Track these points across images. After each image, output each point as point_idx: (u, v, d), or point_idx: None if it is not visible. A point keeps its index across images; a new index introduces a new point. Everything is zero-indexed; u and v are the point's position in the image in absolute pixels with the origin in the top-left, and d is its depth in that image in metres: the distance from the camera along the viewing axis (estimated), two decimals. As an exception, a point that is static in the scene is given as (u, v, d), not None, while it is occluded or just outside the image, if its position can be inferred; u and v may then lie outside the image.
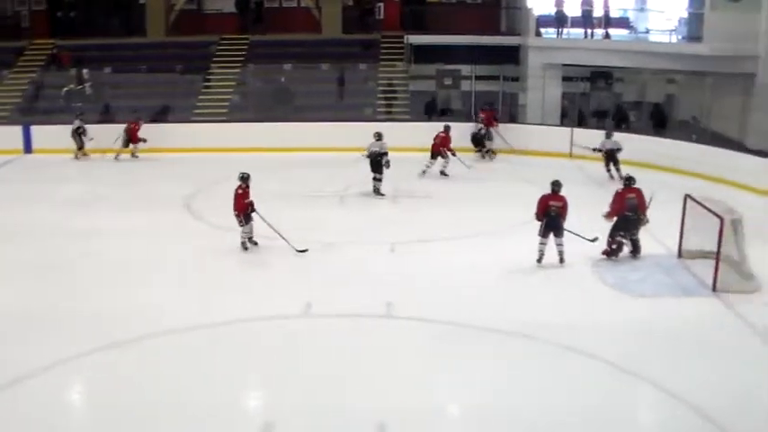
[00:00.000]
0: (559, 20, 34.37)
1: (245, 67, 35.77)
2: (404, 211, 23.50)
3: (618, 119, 32.89)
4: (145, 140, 30.06)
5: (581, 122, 32.01)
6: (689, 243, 18.65)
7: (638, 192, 18.70)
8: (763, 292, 16.90)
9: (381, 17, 39.08)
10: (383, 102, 34.66)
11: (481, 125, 30.75)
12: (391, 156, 24.85)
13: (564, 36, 34.48)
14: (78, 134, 30.40)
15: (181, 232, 21.26)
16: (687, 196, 18.69)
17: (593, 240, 18.72)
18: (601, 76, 35.06)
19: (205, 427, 11.92)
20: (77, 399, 13.31)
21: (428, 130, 28.79)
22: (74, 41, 36.19)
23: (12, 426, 11.93)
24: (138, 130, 30.22)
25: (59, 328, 14.99)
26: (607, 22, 33.72)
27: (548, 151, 30.24)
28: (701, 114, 30.93)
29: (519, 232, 19.90)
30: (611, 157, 27.26)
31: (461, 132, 29.59)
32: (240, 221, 19.46)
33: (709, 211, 17.36)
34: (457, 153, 27.87)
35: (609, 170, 27.29)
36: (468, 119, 32.31)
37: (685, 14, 33.22)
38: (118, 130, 30.39)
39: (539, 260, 18.41)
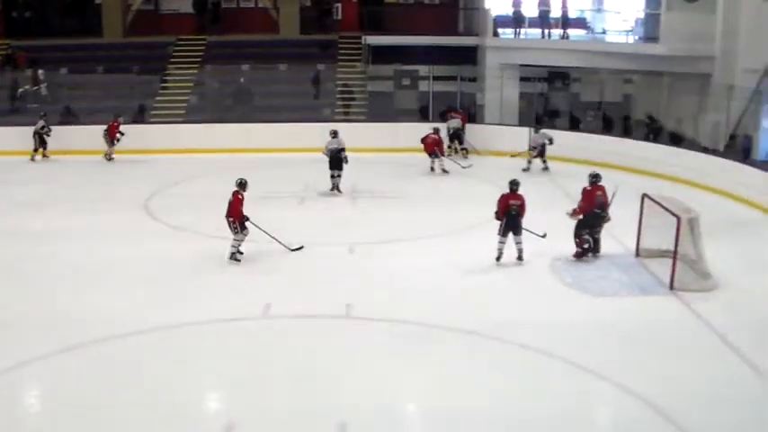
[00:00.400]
0: (517, 20, 34.43)
1: (202, 67, 35.58)
2: (363, 212, 23.49)
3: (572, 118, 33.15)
4: (121, 136, 29.93)
5: (538, 122, 32.08)
6: (647, 242, 18.78)
7: (603, 189, 18.78)
8: (719, 290, 17.01)
9: (339, 18, 39.08)
10: (341, 102, 34.57)
11: (457, 125, 30.71)
12: (350, 156, 25.01)
13: (521, 36, 34.55)
14: (40, 135, 30.11)
15: (139, 234, 21.11)
16: (644, 195, 18.81)
17: (543, 236, 18.77)
18: (558, 76, 35.21)
19: (166, 429, 11.83)
20: (33, 403, 13.13)
21: (386, 131, 28.99)
22: (29, 42, 35.87)
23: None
24: (117, 128, 30.00)
25: (13, 332, 14.84)
26: (564, 22, 33.82)
27: (506, 151, 30.27)
28: (657, 114, 31.15)
29: (477, 232, 20.00)
30: (542, 151, 28.48)
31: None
32: (235, 229, 18.78)
33: (666, 210, 17.48)
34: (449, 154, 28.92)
35: (529, 162, 28.63)
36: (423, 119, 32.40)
37: (642, 15, 33.45)
38: (79, 131, 30.22)
39: (498, 259, 18.45)
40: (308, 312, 15.70)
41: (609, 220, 18.86)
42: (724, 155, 26.44)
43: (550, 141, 28.54)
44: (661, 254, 18.18)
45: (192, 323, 15.22)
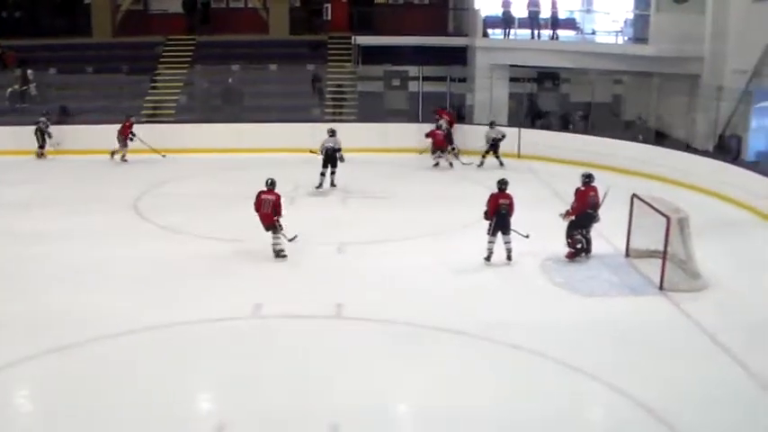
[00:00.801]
0: (506, 21, 34.42)
1: (192, 67, 35.51)
2: (352, 212, 23.48)
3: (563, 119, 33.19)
4: (133, 137, 29.73)
5: (529, 121, 32.22)
6: (636, 242, 18.81)
7: (596, 190, 18.80)
8: (709, 290, 17.06)
9: (329, 18, 38.96)
10: (331, 103, 34.54)
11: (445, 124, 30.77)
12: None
13: (511, 37, 34.55)
14: (41, 132, 30.12)
15: (128, 234, 21.06)
16: (634, 196, 18.83)
17: (526, 236, 18.77)
18: (548, 77, 35.26)
19: (157, 429, 11.81)
20: (24, 403, 13.10)
21: (375, 131, 29.07)
22: (18, 42, 35.71)
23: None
24: (130, 128, 29.85)
25: (5, 332, 14.78)
26: (554, 23, 33.83)
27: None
28: (647, 115, 31.21)
29: (466, 232, 20.02)
30: (494, 145, 29.16)
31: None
32: (279, 227, 18.98)
33: (656, 210, 17.51)
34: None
35: (484, 156, 29.37)
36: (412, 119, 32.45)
37: (631, 16, 33.50)
38: (69, 131, 30.21)
39: (487, 258, 18.47)
40: (299, 312, 15.69)
41: (598, 220, 18.89)
42: (713, 155, 26.52)
43: (503, 137, 29.34)
44: (651, 254, 18.21)
45: (182, 323, 15.20)
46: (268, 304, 16.06)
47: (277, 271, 18.33)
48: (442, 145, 29.34)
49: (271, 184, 19.25)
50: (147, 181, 26.55)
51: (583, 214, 18.63)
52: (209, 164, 29.14)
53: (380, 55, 35.70)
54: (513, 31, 34.54)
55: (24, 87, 33.62)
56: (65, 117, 31.93)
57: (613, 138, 29.25)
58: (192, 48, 36.70)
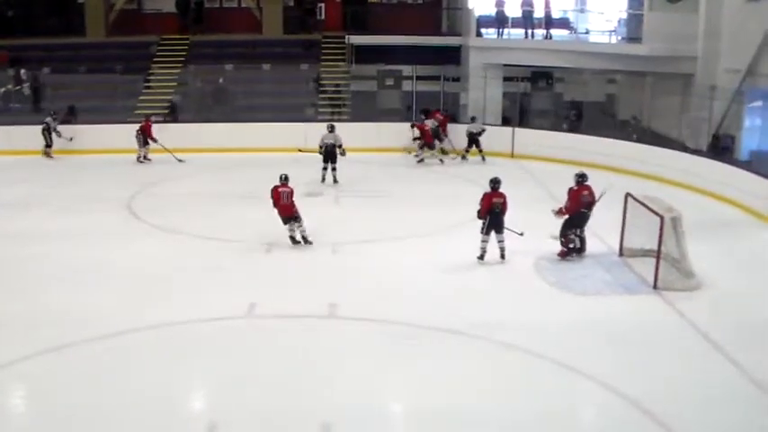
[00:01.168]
0: (500, 20, 34.45)
1: (185, 67, 35.48)
2: (347, 212, 23.45)
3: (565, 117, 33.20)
4: (155, 140, 29.56)
5: (522, 122, 32.23)
6: (630, 241, 18.83)
7: (590, 188, 18.79)
8: (703, 289, 17.08)
9: (322, 17, 39.04)
10: (324, 102, 34.52)
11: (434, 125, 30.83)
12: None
13: (504, 36, 34.57)
14: (49, 132, 30.12)
15: (122, 234, 21.02)
16: (628, 195, 18.84)
17: (521, 234, 18.77)
18: (542, 76, 35.28)
19: (151, 428, 11.80)
20: (21, 402, 13.06)
21: (369, 130, 29.17)
22: (11, 41, 35.66)
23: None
24: (149, 128, 29.75)
25: (1, 331, 14.77)
26: (548, 22, 33.86)
27: (489, 151, 30.30)
28: (641, 114, 31.23)
29: (460, 231, 19.95)
30: (473, 140, 29.94)
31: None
32: (297, 218, 19.77)
33: (649, 209, 17.52)
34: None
35: (467, 152, 30.19)
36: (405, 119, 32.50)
37: (625, 15, 33.56)
38: (74, 130, 30.46)
39: (481, 257, 18.48)
40: (293, 312, 15.67)
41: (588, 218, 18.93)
42: (707, 154, 26.56)
43: (482, 131, 30.04)
44: (644, 253, 18.22)
45: (177, 323, 15.18)
46: (262, 304, 16.04)
47: (271, 270, 18.32)
48: (430, 142, 29.80)
49: (285, 179, 19.86)
50: (141, 181, 26.51)
51: (577, 214, 18.64)
52: (202, 163, 29.10)
53: (374, 54, 35.69)
54: (506, 30, 34.58)
55: (18, 87, 33.55)
56: (71, 117, 31.78)
57: (607, 137, 29.26)
58: (186, 47, 36.70)
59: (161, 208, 23.20)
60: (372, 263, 18.78)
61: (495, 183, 18.52)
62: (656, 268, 17.00)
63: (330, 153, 26.03)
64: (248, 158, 29.30)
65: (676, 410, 12.14)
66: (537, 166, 28.47)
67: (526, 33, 33.99)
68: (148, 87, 34.82)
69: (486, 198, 18.37)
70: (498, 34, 34.76)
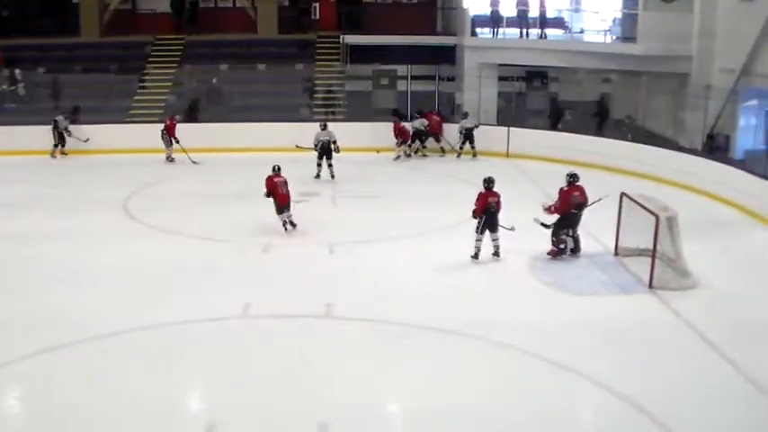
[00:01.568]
0: (495, 20, 34.45)
1: (180, 67, 35.46)
2: (342, 212, 23.44)
3: (555, 117, 33.17)
4: (177, 140, 29.58)
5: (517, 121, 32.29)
6: (625, 241, 18.83)
7: (581, 189, 18.81)
8: (698, 288, 17.11)
9: (317, 17, 39.01)
10: (319, 102, 34.51)
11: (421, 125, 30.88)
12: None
13: (499, 36, 34.58)
14: (59, 132, 30.17)
15: (118, 234, 20.99)
16: (623, 194, 18.86)
17: (512, 229, 18.80)
18: (537, 75, 35.33)
19: (148, 428, 11.80)
20: (19, 402, 13.05)
21: (364, 130, 29.26)
22: (6, 41, 35.50)
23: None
24: (174, 127, 29.76)
25: (0, 332, 14.82)
26: (542, 22, 33.85)
27: (484, 151, 30.35)
28: (636, 113, 31.27)
29: (456, 231, 19.98)
30: (467, 135, 30.27)
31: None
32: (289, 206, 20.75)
33: (645, 208, 17.54)
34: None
35: (461, 148, 30.69)
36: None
37: (619, 15, 33.60)
38: (79, 129, 30.49)
39: (475, 256, 18.51)
40: (289, 312, 15.67)
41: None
42: (702, 154, 26.61)
43: (476, 126, 30.34)
44: (640, 252, 18.23)
45: (173, 323, 15.18)
46: (259, 304, 16.03)
47: (267, 270, 18.32)
48: (406, 139, 30.39)
49: (278, 170, 20.82)
50: (136, 181, 26.45)
51: (568, 214, 18.67)
52: (198, 164, 29.11)
53: (369, 54, 35.68)
54: (501, 30, 34.59)
55: (12, 87, 33.52)
56: (76, 116, 31.74)
57: (601, 136, 29.32)
58: (181, 47, 36.64)
59: (157, 208, 23.19)
60: (369, 263, 18.79)
61: (489, 182, 18.55)
62: (652, 268, 17.02)
63: (326, 149, 26.64)
64: (243, 158, 29.29)
65: (673, 410, 12.15)
66: (532, 166, 28.48)
67: (521, 33, 33.99)
68: (143, 87, 34.76)
69: (482, 198, 18.40)
70: (493, 34, 34.76)
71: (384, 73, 35.71)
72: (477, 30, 35.30)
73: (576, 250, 18.94)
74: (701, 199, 24.19)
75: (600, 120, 32.21)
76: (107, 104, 32.85)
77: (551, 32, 34.64)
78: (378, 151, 30.62)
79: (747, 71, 26.53)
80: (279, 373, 13.35)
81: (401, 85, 34.97)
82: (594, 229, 19.60)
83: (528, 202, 20.17)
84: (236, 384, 12.93)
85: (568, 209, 18.64)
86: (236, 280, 17.61)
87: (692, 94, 28.05)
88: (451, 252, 19.00)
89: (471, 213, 18.51)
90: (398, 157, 30.47)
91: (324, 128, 27.04)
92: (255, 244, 19.65)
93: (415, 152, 30.89)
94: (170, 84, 34.96)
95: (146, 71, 35.51)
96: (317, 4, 39.00)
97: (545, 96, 35.56)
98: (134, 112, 33.28)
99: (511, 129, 30.95)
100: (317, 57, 36.44)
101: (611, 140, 28.78)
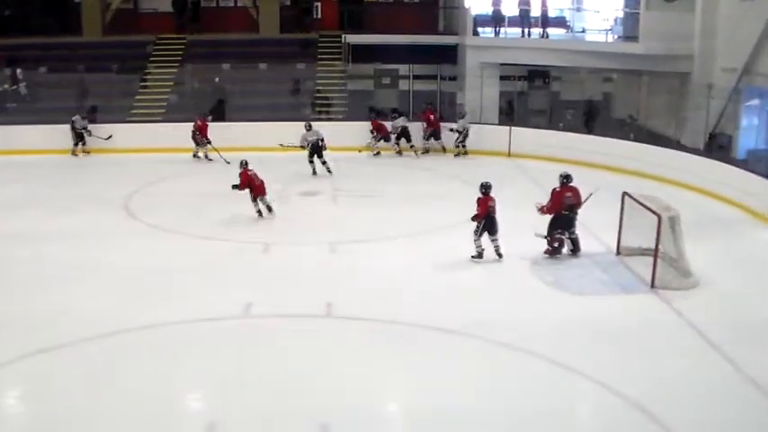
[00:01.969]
0: (496, 19, 34.39)
1: (182, 66, 35.40)
2: (343, 211, 23.45)
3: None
4: (209, 141, 29.62)
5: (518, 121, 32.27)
6: (627, 240, 18.81)
7: (575, 190, 18.80)
8: (700, 288, 17.08)
9: (319, 17, 39.06)
10: (321, 101, 34.47)
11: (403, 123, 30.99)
12: (329, 155, 26.25)
13: (501, 35, 34.52)
14: (77, 131, 30.24)
15: (120, 234, 20.99)
16: (625, 194, 18.84)
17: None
18: (538, 75, 35.29)
19: (148, 428, 11.80)
20: (17, 402, 13.06)
21: (365, 129, 29.33)
22: (7, 41, 35.49)
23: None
24: (205, 128, 29.78)
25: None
26: (544, 21, 33.79)
27: (486, 150, 30.34)
28: (637, 113, 31.23)
29: (457, 231, 19.90)
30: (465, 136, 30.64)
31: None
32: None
33: (647, 208, 17.52)
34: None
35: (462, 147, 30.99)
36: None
37: (621, 14, 33.52)
38: (106, 129, 30.60)
39: (480, 255, 18.51)
40: (290, 312, 15.68)
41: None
42: (704, 153, 26.56)
43: (466, 129, 30.71)
44: (642, 252, 18.22)
45: (173, 323, 15.19)
46: (259, 303, 16.04)
47: (269, 270, 18.30)
48: (384, 134, 30.61)
49: (246, 164, 22.06)
50: (137, 180, 26.44)
51: (560, 215, 18.66)
52: (198, 163, 29.11)
53: (371, 53, 35.62)
54: (503, 29, 34.49)
55: (14, 86, 33.50)
56: (94, 115, 31.71)
57: (605, 136, 29.28)
58: (183, 47, 36.61)
59: (158, 208, 23.18)
60: (369, 262, 18.78)
61: (487, 187, 18.54)
62: (654, 267, 16.99)
63: (317, 148, 27.03)
64: (245, 157, 29.19)
65: (674, 409, 12.14)
66: (533, 165, 28.43)
67: (523, 32, 33.91)
68: (145, 87, 34.76)
69: (483, 202, 18.39)
70: (495, 33, 34.68)
71: (386, 72, 35.66)
72: (479, 29, 35.22)
73: (575, 250, 18.92)
74: (702, 198, 24.16)
75: (587, 119, 32.22)
76: (108, 104, 32.80)
77: (553, 32, 34.55)
78: (359, 150, 30.63)
79: (749, 70, 26.51)
80: (280, 372, 13.36)
81: (403, 85, 34.91)
82: (596, 228, 19.61)
83: (530, 201, 20.10)
84: (236, 384, 12.94)
85: (560, 209, 18.64)
86: (237, 279, 17.60)
87: (693, 94, 28.02)
88: (453, 252, 18.98)
89: (472, 218, 18.48)
90: (378, 153, 30.75)
91: (309, 128, 27.38)
92: (256, 243, 19.62)
93: (398, 152, 30.90)
94: (172, 83, 34.94)
95: (147, 71, 35.48)
96: (319, 4, 39.07)
97: (547, 96, 35.49)
98: (136, 111, 33.26)
99: (512, 128, 30.90)
100: (319, 56, 36.39)
101: (612, 140, 28.73)
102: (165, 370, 13.48)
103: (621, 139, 28.95)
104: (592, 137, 29.52)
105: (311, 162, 27.07)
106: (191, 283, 17.40)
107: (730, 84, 26.85)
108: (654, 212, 17.15)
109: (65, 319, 15.31)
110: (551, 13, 34.86)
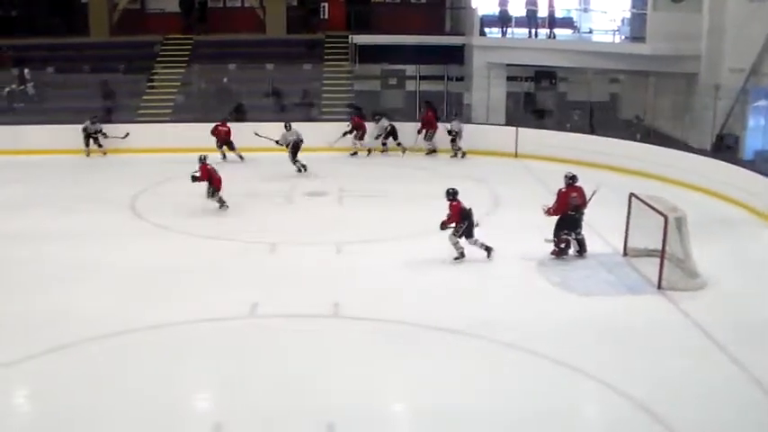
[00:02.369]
0: (503, 20, 34.38)
1: (189, 67, 35.42)
2: (349, 211, 23.42)
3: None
4: (233, 147, 29.69)
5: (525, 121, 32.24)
6: (634, 241, 18.78)
7: (580, 190, 18.77)
8: (707, 289, 17.04)
9: (326, 17, 39.06)
10: (328, 102, 34.44)
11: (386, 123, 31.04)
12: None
13: (508, 36, 34.51)
14: (89, 135, 30.29)
15: (126, 233, 21.00)
16: (632, 195, 18.80)
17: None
18: (545, 75, 35.26)
19: (153, 429, 11.80)
20: (20, 403, 13.07)
21: (372, 130, 29.33)
22: (15, 41, 35.60)
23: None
24: (226, 131, 29.79)
25: (2, 332, 14.79)
26: (551, 22, 33.76)
27: (493, 150, 30.31)
28: (644, 113, 31.19)
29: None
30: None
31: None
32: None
33: (653, 209, 17.48)
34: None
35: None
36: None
37: (628, 15, 33.50)
38: (122, 129, 30.64)
39: (462, 255, 18.61)
40: (296, 312, 15.67)
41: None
42: (711, 154, 26.51)
43: (458, 131, 30.60)
44: (648, 253, 18.17)
45: (178, 323, 15.18)
46: (265, 303, 16.04)
47: (274, 270, 18.29)
48: (364, 131, 30.70)
49: (205, 158, 22.93)
50: (144, 180, 26.46)
51: (566, 215, 18.63)
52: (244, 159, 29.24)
53: (377, 54, 35.69)
54: (510, 29, 34.50)
55: (22, 87, 33.54)
56: (108, 117, 31.74)
57: (611, 137, 29.23)
58: (189, 47, 36.67)
59: (164, 207, 23.17)
60: (375, 262, 18.74)
61: (454, 194, 18.76)
62: (661, 268, 16.96)
63: (298, 147, 27.41)
64: (251, 157, 29.26)
65: (679, 410, 12.12)
66: (541, 166, 28.37)
67: (530, 33, 33.89)
68: (152, 87, 34.79)
69: (455, 208, 18.48)
70: (502, 34, 34.67)
71: (392, 73, 35.67)
72: (486, 30, 35.20)
73: (582, 251, 18.89)
74: (709, 199, 24.10)
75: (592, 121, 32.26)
76: (115, 104, 32.81)
77: (560, 32, 34.52)
78: (352, 152, 30.77)
79: (757, 71, 26.49)
80: (284, 372, 13.36)
81: (410, 85, 34.92)
82: (603, 229, 19.58)
83: (537, 202, 20.07)
84: (242, 384, 12.95)
85: (566, 210, 18.60)
86: (243, 279, 17.61)
87: (700, 94, 27.98)
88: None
89: (440, 225, 18.56)
90: (355, 153, 30.68)
91: (288, 128, 27.66)
92: (262, 243, 19.61)
93: (382, 152, 30.98)
94: (179, 83, 34.94)
95: (154, 71, 35.54)
96: (326, 4, 39.10)
97: (554, 96, 35.47)
98: (143, 111, 33.28)
99: (519, 128, 30.86)
100: (326, 57, 36.42)
101: (619, 140, 28.67)
102: (170, 370, 13.48)
103: (628, 139, 28.88)
104: (598, 137, 29.42)
105: (294, 161, 27.33)
106: (196, 282, 17.38)
107: (738, 84, 26.82)
108: (661, 213, 17.12)
109: (68, 318, 15.33)
110: (558, 14, 34.85)
